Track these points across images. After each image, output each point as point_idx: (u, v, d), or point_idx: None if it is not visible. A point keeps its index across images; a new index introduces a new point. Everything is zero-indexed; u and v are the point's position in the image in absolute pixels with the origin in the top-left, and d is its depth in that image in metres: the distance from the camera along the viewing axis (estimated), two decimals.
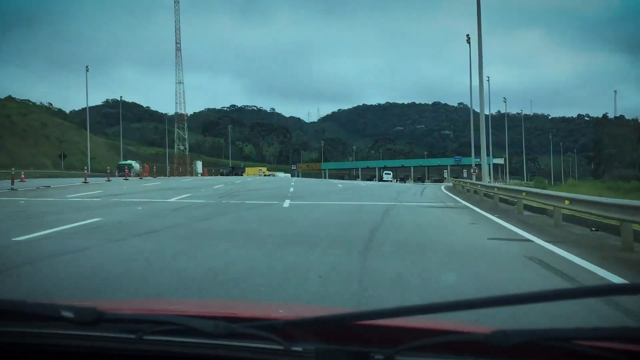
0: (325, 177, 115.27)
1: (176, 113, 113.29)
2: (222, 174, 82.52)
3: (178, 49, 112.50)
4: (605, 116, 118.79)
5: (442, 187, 39.38)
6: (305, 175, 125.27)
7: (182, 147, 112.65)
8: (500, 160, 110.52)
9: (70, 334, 1.07)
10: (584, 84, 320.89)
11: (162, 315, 1.15)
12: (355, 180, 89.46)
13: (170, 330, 1.01)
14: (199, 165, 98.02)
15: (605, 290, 0.76)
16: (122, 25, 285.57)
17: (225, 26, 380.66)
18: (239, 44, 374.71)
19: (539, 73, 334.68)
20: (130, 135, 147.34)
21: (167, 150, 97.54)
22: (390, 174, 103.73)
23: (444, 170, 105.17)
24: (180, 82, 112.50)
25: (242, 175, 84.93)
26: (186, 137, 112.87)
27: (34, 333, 1.09)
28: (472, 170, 49.00)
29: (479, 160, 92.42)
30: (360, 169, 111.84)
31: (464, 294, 4.49)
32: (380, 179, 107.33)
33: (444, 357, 0.93)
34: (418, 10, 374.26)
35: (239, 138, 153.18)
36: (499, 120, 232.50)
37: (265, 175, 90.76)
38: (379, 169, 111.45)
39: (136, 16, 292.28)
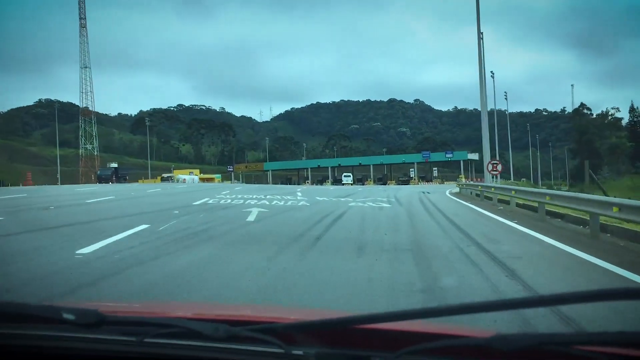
0: (268, 180, 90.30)
1: (81, 105, 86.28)
2: (99, 180, 56.50)
3: (83, 26, 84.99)
4: (583, 105, 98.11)
5: (463, 201, 15.46)
6: (247, 178, 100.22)
7: (89, 147, 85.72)
8: (474, 156, 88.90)
9: (71, 336, 1.02)
10: (534, 80, 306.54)
11: (163, 318, 1.12)
12: (300, 186, 63.78)
13: (171, 333, 0.97)
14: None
15: (604, 295, 0.74)
16: (62, 24, 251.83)
17: (171, 24, 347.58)
18: (186, 42, 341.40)
19: (490, 70, 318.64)
20: (59, 136, 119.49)
21: (57, 150, 70.59)
22: (350, 176, 79.68)
23: (410, 169, 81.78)
24: (86, 67, 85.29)
25: (126, 180, 58.80)
26: (94, 135, 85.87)
27: (35, 335, 1.05)
28: (490, 168, 25.17)
29: (451, 155, 67.87)
30: (309, 169, 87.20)
31: None
32: (335, 182, 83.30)
33: None
34: (369, 7, 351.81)
35: (176, 137, 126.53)
36: (454, 117, 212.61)
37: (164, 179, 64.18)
38: (332, 168, 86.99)
39: (76, 14, 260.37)
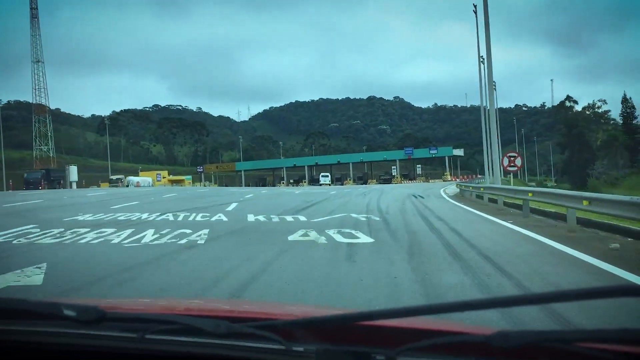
0: (242, 181, 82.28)
1: (33, 102, 77.06)
2: (26, 185, 47.94)
3: (34, 17, 75.92)
4: (568, 97, 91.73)
5: (500, 220, 7.59)
6: (220, 179, 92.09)
7: (44, 148, 76.58)
8: (459, 152, 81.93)
9: (72, 332, 1.00)
10: (512, 76, 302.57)
11: (164, 314, 1.10)
12: (266, 188, 57.11)
13: (171, 329, 0.95)
14: (72, 171, 63.13)
15: (606, 292, 0.72)
16: (35, 22, 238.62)
17: (147, 24, 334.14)
18: (162, 42, 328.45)
19: (466, 67, 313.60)
20: (21, 139, 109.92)
21: (2, 150, 61.65)
22: (327, 176, 72.08)
23: (392, 167, 74.45)
24: (38, 61, 76.10)
25: (60, 185, 50.32)
26: (50, 135, 76.79)
27: (35, 332, 1.02)
28: (506, 163, 17.87)
29: (435, 152, 61.09)
30: (285, 169, 79.24)
31: None
32: (313, 181, 75.68)
33: (445, 358, 0.88)
34: (346, 4, 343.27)
35: (146, 137, 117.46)
36: (434, 113, 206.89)
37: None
38: (310, 167, 79.34)
39: (46, 12, 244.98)
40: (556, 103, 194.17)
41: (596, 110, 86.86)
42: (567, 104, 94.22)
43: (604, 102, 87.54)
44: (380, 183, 69.25)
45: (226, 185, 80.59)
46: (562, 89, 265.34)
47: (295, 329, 0.92)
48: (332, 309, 2.05)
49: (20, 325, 1.02)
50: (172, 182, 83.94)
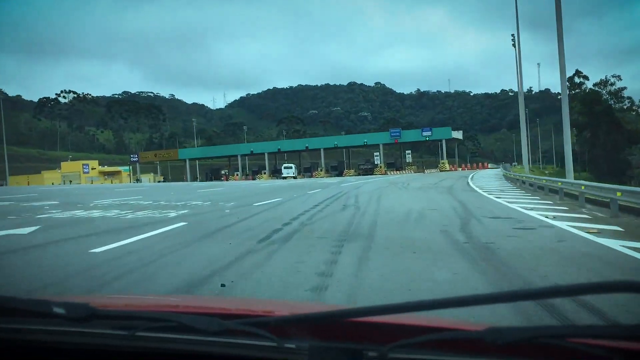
0: (186, 174, 62.92)
1: None
2: None
3: None
4: (578, 72, 74.00)
5: None
6: (171, 170, 72.76)
7: None
8: (458, 135, 64.10)
9: (61, 330, 0.96)
10: (494, 62, 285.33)
11: (155, 311, 1.05)
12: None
13: (163, 327, 0.90)
14: None
15: (598, 288, 0.69)
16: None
17: (116, 9, 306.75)
18: (133, 28, 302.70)
19: (447, 53, 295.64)
20: None
21: None
22: (291, 167, 52.57)
23: (375, 153, 55.72)
24: None
25: None
26: None
27: (24, 329, 0.98)
28: None
29: (429, 134, 43.19)
30: (240, 157, 59.80)
31: None
32: (276, 172, 56.93)
33: (437, 354, 0.84)
34: None
35: (93, 123, 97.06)
36: (416, 99, 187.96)
37: None
38: (271, 154, 60.23)
39: None
40: (543, 88, 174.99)
41: (610, 86, 69.68)
42: (577, 79, 75.98)
43: (619, 77, 69.96)
44: (360, 174, 50.59)
45: (164, 180, 61.39)
46: (543, 74, 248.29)
47: (287, 326, 0.89)
48: (324, 305, 2.05)
49: (9, 323, 0.97)
50: (105, 174, 64.18)
